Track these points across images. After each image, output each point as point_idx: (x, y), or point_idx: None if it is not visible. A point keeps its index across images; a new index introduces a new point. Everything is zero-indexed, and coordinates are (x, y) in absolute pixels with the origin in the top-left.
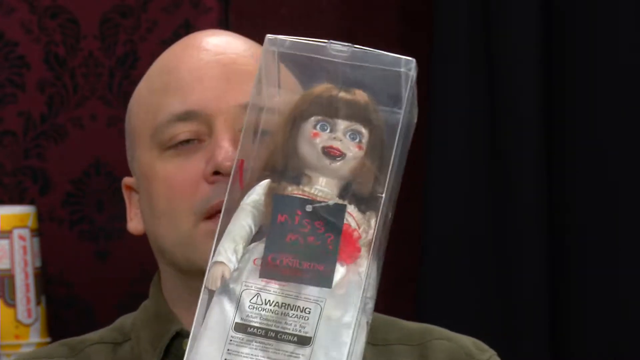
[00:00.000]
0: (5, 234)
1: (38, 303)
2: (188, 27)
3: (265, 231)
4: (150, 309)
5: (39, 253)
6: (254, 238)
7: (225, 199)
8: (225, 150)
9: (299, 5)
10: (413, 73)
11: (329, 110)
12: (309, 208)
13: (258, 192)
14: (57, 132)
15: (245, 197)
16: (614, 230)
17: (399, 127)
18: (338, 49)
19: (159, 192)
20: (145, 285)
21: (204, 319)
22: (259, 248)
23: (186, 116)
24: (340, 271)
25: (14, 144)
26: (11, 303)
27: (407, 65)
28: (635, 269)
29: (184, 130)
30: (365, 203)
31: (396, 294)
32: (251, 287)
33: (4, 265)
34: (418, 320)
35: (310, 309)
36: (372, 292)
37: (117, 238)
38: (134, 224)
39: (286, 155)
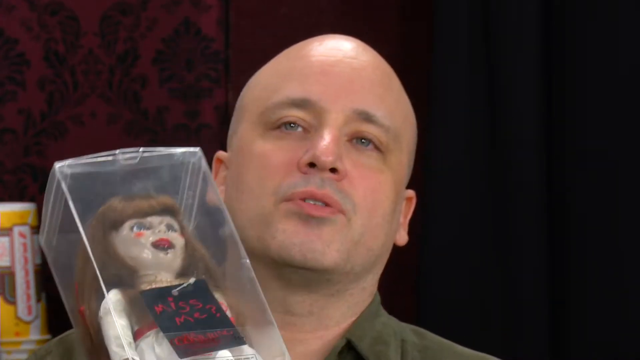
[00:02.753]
0: (6, 231)
1: (38, 300)
2: (188, 25)
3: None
4: None
5: (39, 250)
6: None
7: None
8: (326, 146)
9: (298, 4)
10: (202, 162)
11: (140, 211)
12: (175, 292)
13: (112, 297)
14: (57, 130)
15: (102, 308)
16: (614, 230)
17: (195, 207)
18: (127, 157)
19: (250, 168)
20: None
21: None
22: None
23: (302, 103)
24: None
25: (14, 142)
26: (11, 300)
27: (192, 156)
28: (636, 268)
29: (294, 115)
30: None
31: (396, 294)
32: None
33: (4, 263)
34: (416, 322)
35: (254, 355)
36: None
37: None
38: None
39: (116, 267)
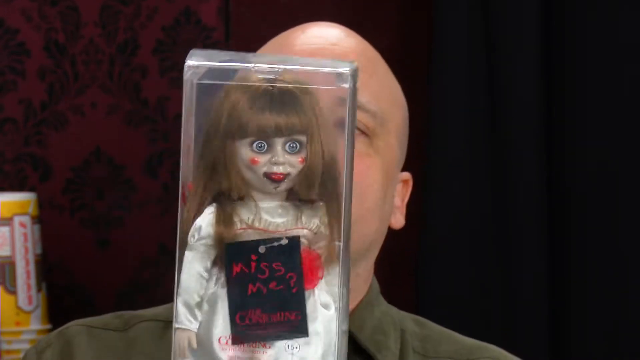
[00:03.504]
0: (6, 221)
1: (39, 290)
2: (188, 15)
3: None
4: None
5: (40, 240)
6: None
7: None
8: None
9: None
10: (351, 84)
11: (264, 129)
12: (262, 249)
13: (207, 223)
14: (58, 120)
15: (193, 230)
16: (614, 228)
17: (346, 134)
18: (265, 70)
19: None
20: (145, 273)
21: None
22: (216, 310)
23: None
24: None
25: (15, 132)
26: (12, 290)
27: (341, 79)
28: (636, 267)
29: None
30: (310, 205)
31: (395, 286)
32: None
33: (5, 252)
34: (415, 314)
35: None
36: (345, 303)
37: (117, 226)
38: None
39: (228, 177)
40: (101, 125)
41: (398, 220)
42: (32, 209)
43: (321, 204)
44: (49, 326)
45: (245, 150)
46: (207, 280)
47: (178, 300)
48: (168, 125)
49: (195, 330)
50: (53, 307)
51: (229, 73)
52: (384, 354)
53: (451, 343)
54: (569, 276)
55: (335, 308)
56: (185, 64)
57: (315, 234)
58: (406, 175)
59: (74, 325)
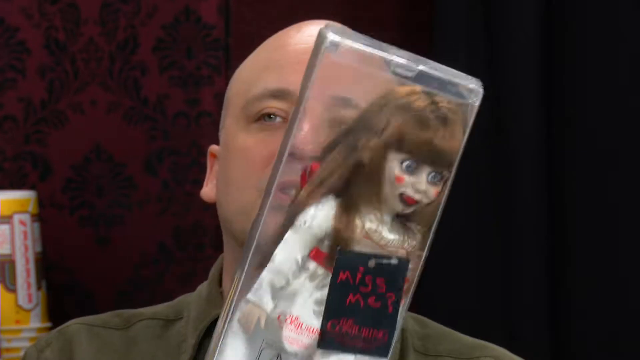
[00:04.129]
0: (6, 219)
1: (39, 288)
2: (188, 13)
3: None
4: (204, 289)
5: (40, 238)
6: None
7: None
8: (304, 135)
9: None
10: (478, 104)
11: (424, 154)
12: (372, 264)
13: (324, 215)
14: (58, 118)
15: (306, 216)
16: (615, 228)
17: (456, 163)
18: (403, 65)
19: (234, 162)
20: (145, 271)
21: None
22: (295, 293)
23: (279, 94)
24: None
25: (15, 130)
26: (12, 288)
27: (474, 95)
28: (636, 266)
29: (273, 107)
30: (412, 231)
31: None
32: (272, 346)
33: (5, 251)
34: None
35: None
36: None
37: (117, 224)
38: (207, 191)
39: (366, 181)
40: (101, 123)
41: None
42: (32, 207)
43: (422, 229)
44: (48, 324)
45: (393, 164)
46: (298, 267)
47: (264, 277)
48: (168, 123)
49: (269, 312)
50: (53, 305)
51: (363, 57)
52: None
53: (452, 342)
54: (569, 276)
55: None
56: (328, 37)
57: (411, 256)
58: None
59: (74, 324)
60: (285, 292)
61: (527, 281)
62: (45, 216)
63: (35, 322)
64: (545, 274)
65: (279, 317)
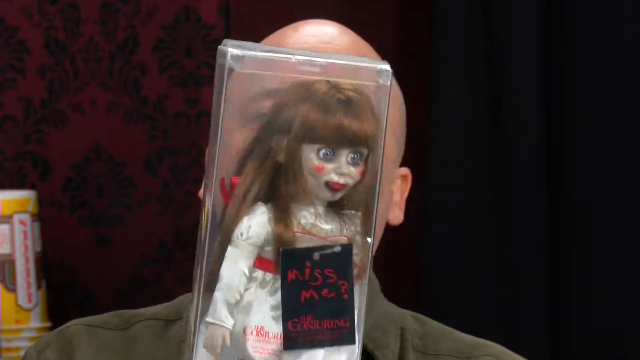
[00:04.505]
0: (6, 219)
1: (38, 288)
2: (188, 13)
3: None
4: None
5: (40, 238)
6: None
7: (209, 210)
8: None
9: None
10: (389, 82)
11: (336, 139)
12: (316, 257)
13: (257, 223)
14: (58, 118)
15: (241, 228)
16: (615, 227)
17: (382, 145)
18: (305, 61)
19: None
20: (145, 271)
21: None
22: (251, 303)
23: (276, 94)
24: None
25: (15, 129)
26: (12, 288)
27: (384, 76)
28: (636, 266)
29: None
30: (350, 213)
31: (397, 293)
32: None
33: (5, 250)
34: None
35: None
36: (364, 313)
37: (117, 223)
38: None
39: (288, 179)
40: (101, 123)
41: (397, 216)
42: (31, 206)
43: (359, 213)
44: (48, 324)
45: (310, 156)
46: (247, 279)
47: (217, 297)
48: (168, 123)
49: (231, 328)
50: (53, 305)
51: (267, 64)
52: (383, 352)
53: (452, 340)
54: (569, 276)
55: (357, 318)
56: (229, 51)
57: (352, 241)
58: (405, 170)
59: (74, 325)
60: (241, 306)
61: (527, 281)
62: (45, 216)
63: (35, 321)
64: (546, 274)
65: (243, 330)
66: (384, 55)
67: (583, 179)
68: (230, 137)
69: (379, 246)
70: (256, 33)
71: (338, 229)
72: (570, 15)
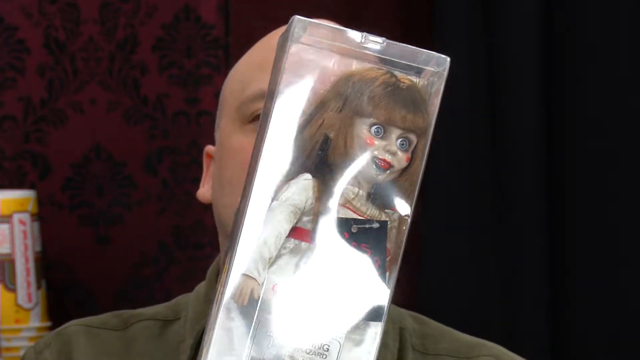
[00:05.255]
0: (5, 219)
1: (38, 287)
2: (188, 12)
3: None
4: (202, 289)
5: (39, 237)
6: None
7: (255, 178)
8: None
9: None
10: (446, 73)
11: (389, 117)
12: (354, 229)
13: (301, 188)
14: (57, 117)
15: (286, 191)
16: (615, 227)
17: (429, 136)
18: (372, 40)
19: (229, 163)
20: (145, 270)
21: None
22: (282, 266)
23: (270, 94)
24: None
25: (14, 129)
26: (11, 287)
27: (441, 65)
28: (636, 266)
29: None
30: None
31: (396, 297)
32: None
33: (4, 250)
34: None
35: (328, 346)
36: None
37: (117, 223)
38: (203, 192)
39: (338, 150)
40: (101, 123)
41: None
42: (31, 206)
43: (395, 212)
44: (48, 323)
45: (362, 129)
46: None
47: (254, 251)
48: (167, 122)
49: (260, 283)
50: (53, 304)
51: (332, 35)
52: (382, 352)
53: (451, 340)
54: (569, 276)
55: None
56: (295, 18)
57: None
58: None
59: (73, 325)
60: (272, 268)
61: (527, 281)
62: (44, 215)
63: (35, 321)
64: (545, 274)
65: (273, 287)
66: None
67: (583, 179)
68: (228, 139)
69: None
70: (256, 33)
71: (377, 213)
72: (570, 15)
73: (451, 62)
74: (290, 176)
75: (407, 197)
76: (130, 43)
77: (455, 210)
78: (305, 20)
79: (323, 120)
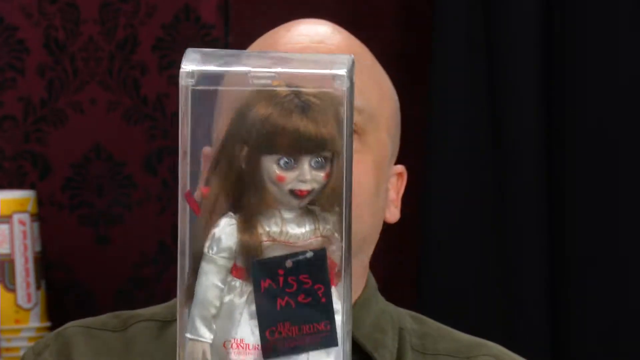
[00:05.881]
0: (5, 219)
1: (38, 287)
2: (188, 12)
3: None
4: None
5: (39, 237)
6: None
7: (185, 227)
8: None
9: None
10: (346, 86)
11: (294, 147)
12: (289, 264)
13: (227, 235)
14: (57, 117)
15: (212, 242)
16: (615, 227)
17: (343, 147)
18: (260, 76)
19: None
20: (144, 270)
21: None
22: (229, 315)
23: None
24: None
25: (14, 129)
26: (11, 288)
27: (338, 81)
28: (637, 265)
29: None
30: (323, 217)
31: (397, 293)
32: None
33: (4, 250)
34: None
35: None
36: (349, 305)
37: (117, 223)
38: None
39: (250, 190)
40: (100, 123)
41: (393, 214)
42: (31, 206)
43: (332, 213)
44: (48, 324)
45: (271, 166)
46: (222, 291)
47: (194, 313)
48: (167, 122)
49: (210, 342)
50: (52, 304)
51: (224, 77)
52: (381, 353)
53: (450, 340)
54: (569, 275)
55: (343, 315)
56: (181, 69)
57: (329, 240)
58: (400, 168)
59: (72, 326)
60: (220, 319)
61: (527, 281)
62: (44, 215)
63: (35, 321)
64: (545, 274)
65: (224, 344)
66: (384, 55)
67: (583, 179)
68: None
69: (378, 245)
70: (256, 33)
71: (312, 230)
72: (570, 15)
73: (452, 62)
74: (212, 221)
75: (336, 209)
76: (130, 43)
77: (455, 210)
78: (189, 69)
79: (232, 157)
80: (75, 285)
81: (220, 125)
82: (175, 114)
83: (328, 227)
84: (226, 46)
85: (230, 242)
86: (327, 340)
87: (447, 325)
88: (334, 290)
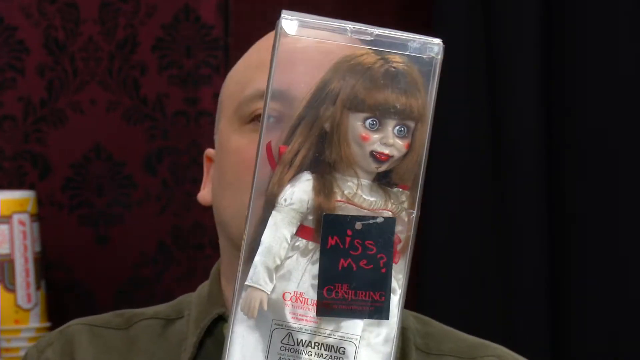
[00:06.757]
0: (5, 219)
1: (38, 288)
2: (188, 12)
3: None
4: (205, 288)
5: (39, 238)
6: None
7: (255, 180)
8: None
9: None
10: (440, 57)
11: (383, 109)
12: (358, 226)
13: (301, 189)
14: (57, 117)
15: (286, 193)
16: (614, 228)
17: (429, 119)
18: (360, 30)
19: (228, 164)
20: (144, 270)
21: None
22: (291, 271)
23: (271, 94)
24: None
25: (14, 129)
26: (11, 288)
27: (433, 50)
28: (637, 265)
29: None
30: (396, 188)
31: None
32: (282, 325)
33: (4, 250)
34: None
35: (344, 348)
36: (404, 291)
37: (116, 223)
38: (204, 194)
39: (333, 147)
40: (100, 123)
41: None
42: (31, 206)
43: (404, 190)
44: (48, 324)
45: (356, 125)
46: (289, 245)
47: (257, 261)
48: (167, 122)
49: (269, 293)
50: (52, 304)
51: (321, 33)
52: None
53: (454, 341)
54: (569, 276)
55: (399, 295)
56: (282, 14)
57: (398, 217)
58: None
59: (75, 324)
60: (282, 272)
61: (527, 281)
62: (44, 215)
63: (35, 321)
64: (545, 274)
65: (283, 296)
66: None
67: (583, 179)
68: (227, 141)
69: None
70: (256, 33)
71: (382, 202)
72: (570, 15)
73: (452, 61)
74: (288, 175)
75: (411, 184)
76: (130, 43)
77: (455, 210)
78: (293, 16)
79: (317, 117)
80: (75, 285)
81: (222, 126)
82: (175, 114)
83: (397, 203)
84: (226, 46)
85: (305, 196)
86: (379, 312)
87: (447, 325)
88: (395, 270)
